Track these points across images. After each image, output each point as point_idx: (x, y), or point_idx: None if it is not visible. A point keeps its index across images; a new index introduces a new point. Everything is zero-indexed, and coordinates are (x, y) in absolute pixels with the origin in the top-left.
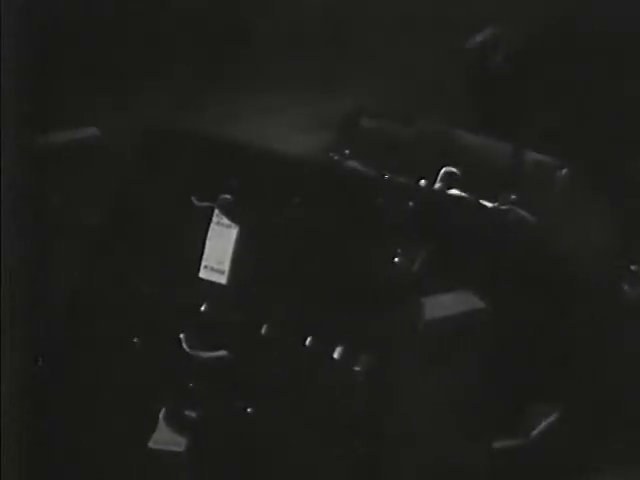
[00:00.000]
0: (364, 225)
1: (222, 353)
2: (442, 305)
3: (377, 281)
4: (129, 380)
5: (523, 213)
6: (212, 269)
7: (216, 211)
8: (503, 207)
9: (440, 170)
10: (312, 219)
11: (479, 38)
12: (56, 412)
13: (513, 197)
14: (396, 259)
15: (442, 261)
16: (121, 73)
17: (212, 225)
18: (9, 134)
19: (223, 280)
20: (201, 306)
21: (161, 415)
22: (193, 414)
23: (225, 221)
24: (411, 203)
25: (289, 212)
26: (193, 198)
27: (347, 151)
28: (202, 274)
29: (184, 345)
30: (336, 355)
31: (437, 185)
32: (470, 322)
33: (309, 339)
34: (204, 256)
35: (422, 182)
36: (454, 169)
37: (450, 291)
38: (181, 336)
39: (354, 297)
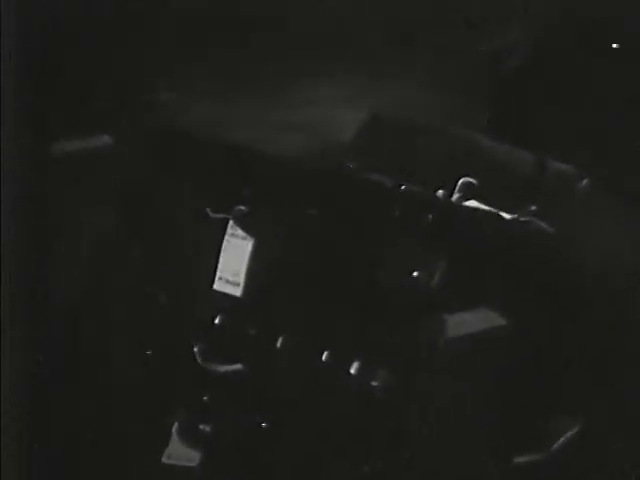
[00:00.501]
0: (381, 237)
1: (237, 367)
2: (463, 323)
3: (395, 295)
4: (142, 393)
5: (544, 225)
6: (227, 281)
7: (231, 222)
8: (523, 219)
9: (458, 180)
10: (328, 231)
11: (500, 40)
12: (64, 425)
13: (533, 208)
14: (415, 273)
15: (461, 275)
16: (131, 76)
17: (227, 237)
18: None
19: (238, 292)
20: (215, 318)
21: (174, 429)
22: (207, 428)
23: (240, 233)
24: (430, 215)
25: (305, 224)
26: (208, 209)
27: (363, 161)
28: (216, 286)
29: (198, 358)
30: (353, 370)
31: (455, 196)
32: (490, 339)
33: (326, 353)
34: (219, 268)
35: (439, 193)
36: (472, 179)
37: (469, 306)
38: (195, 349)
39: (372, 311)
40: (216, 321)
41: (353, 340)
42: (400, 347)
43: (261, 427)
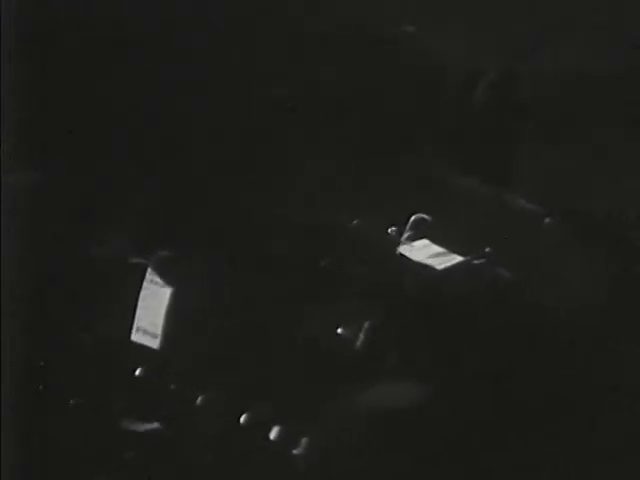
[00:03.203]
0: (307, 288)
1: (155, 425)
2: (384, 395)
3: (318, 354)
4: (67, 445)
5: (499, 268)
6: (145, 332)
7: (149, 269)
8: (476, 262)
9: (410, 217)
10: (251, 281)
11: (464, 71)
12: None
13: (487, 250)
14: (339, 329)
15: (389, 336)
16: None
17: (145, 284)
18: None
19: (156, 345)
20: (134, 372)
21: None
22: None
23: (159, 280)
24: (360, 266)
25: (226, 272)
26: (128, 254)
27: (303, 198)
28: (134, 337)
29: (116, 415)
30: (272, 436)
31: (406, 234)
32: (414, 413)
33: (244, 416)
34: (136, 317)
35: (391, 230)
36: (425, 216)
37: (395, 374)
38: (113, 404)
39: (295, 371)
40: (137, 374)
41: (275, 403)
42: (323, 414)
43: None
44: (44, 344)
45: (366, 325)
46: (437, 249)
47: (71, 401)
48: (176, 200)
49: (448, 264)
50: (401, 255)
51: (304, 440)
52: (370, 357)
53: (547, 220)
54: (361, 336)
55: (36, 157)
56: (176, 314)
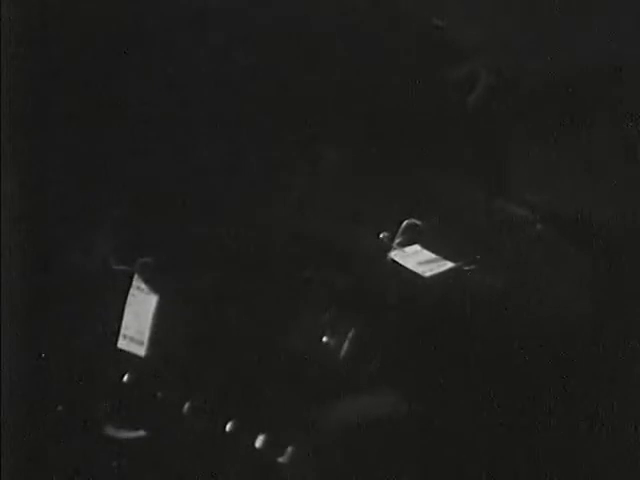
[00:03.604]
0: (294, 297)
1: (141, 433)
2: (369, 404)
3: (302, 363)
4: (52, 452)
5: (488, 276)
6: (131, 339)
7: (135, 276)
8: (466, 268)
9: (402, 222)
10: (238, 288)
11: (457, 70)
12: None
13: (478, 257)
14: (324, 338)
15: (374, 345)
16: None
17: (132, 291)
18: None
19: (142, 352)
20: (121, 379)
21: None
22: None
23: (145, 287)
24: (344, 275)
25: (213, 280)
26: (111, 261)
27: (289, 203)
28: (120, 344)
29: (102, 422)
30: (258, 444)
31: (397, 239)
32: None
33: (230, 424)
34: (122, 325)
35: (382, 235)
36: (417, 221)
37: (378, 385)
38: (99, 412)
39: (280, 380)
40: (123, 381)
41: (261, 411)
42: (310, 422)
43: None
44: (31, 351)
45: (351, 334)
46: (429, 255)
47: (59, 407)
48: (160, 206)
49: (438, 271)
50: (392, 261)
51: (290, 449)
52: (355, 366)
53: (539, 227)
54: (346, 345)
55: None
56: (162, 321)
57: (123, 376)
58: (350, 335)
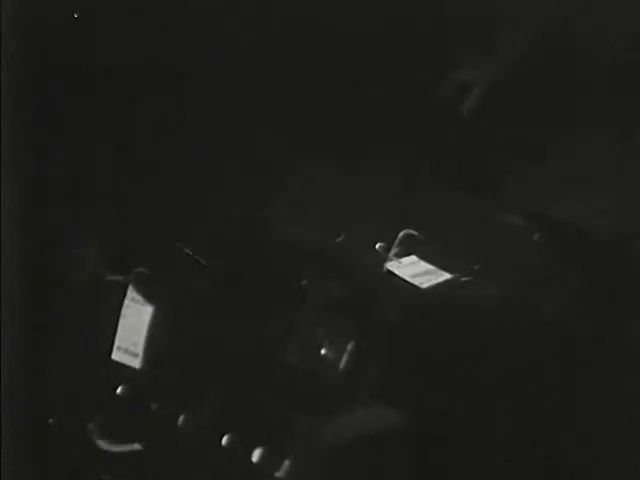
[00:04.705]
0: (291, 308)
1: (135, 447)
2: (367, 418)
3: (300, 376)
4: (45, 465)
5: (485, 287)
6: (126, 351)
7: (130, 287)
8: (464, 279)
9: (399, 232)
10: (234, 299)
11: (454, 81)
12: None
13: (476, 267)
14: (322, 350)
15: (373, 358)
16: None
17: (126, 302)
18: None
19: (137, 364)
20: (116, 391)
21: None
22: None
23: (140, 298)
24: (341, 285)
25: (208, 291)
26: (105, 271)
27: (286, 213)
28: (115, 356)
29: (94, 435)
30: (255, 458)
31: (394, 250)
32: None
33: (226, 437)
34: (117, 336)
35: (378, 246)
36: (413, 231)
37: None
38: (90, 425)
39: (278, 393)
40: (117, 393)
41: (257, 424)
42: (307, 436)
43: None
44: (26, 362)
45: (350, 346)
46: (425, 266)
47: (50, 420)
48: (155, 216)
49: (434, 282)
50: (388, 272)
51: (287, 463)
52: (354, 379)
53: (536, 237)
54: (345, 357)
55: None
56: (157, 333)
57: (117, 388)
58: (349, 347)
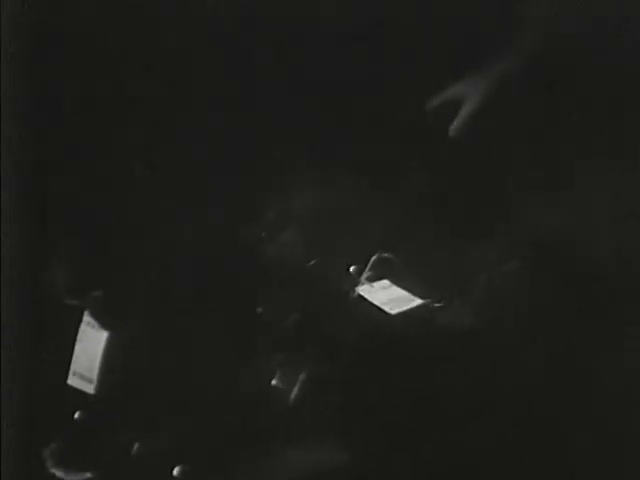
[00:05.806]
0: (247, 334)
1: (87, 476)
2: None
3: (253, 407)
4: None
5: (457, 314)
6: (81, 376)
7: (86, 311)
8: (435, 305)
9: (372, 256)
10: (190, 324)
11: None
12: None
13: (446, 294)
14: (273, 381)
15: (334, 383)
16: None
17: (82, 326)
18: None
19: (91, 390)
20: (72, 417)
21: None
22: None
23: (95, 323)
24: (296, 313)
25: (163, 316)
26: (63, 294)
27: (263, 234)
28: (70, 381)
29: (48, 464)
30: None
31: (366, 273)
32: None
33: (177, 468)
34: (72, 361)
35: (352, 269)
36: (388, 254)
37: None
38: (45, 452)
39: (230, 424)
40: (73, 419)
41: (208, 457)
42: (254, 472)
43: None
44: None
45: (302, 376)
46: (397, 291)
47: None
48: (112, 239)
49: (405, 307)
50: (359, 296)
51: None
52: (304, 412)
53: (513, 264)
54: (296, 389)
55: None
56: (112, 359)
57: (74, 414)
58: (301, 378)
